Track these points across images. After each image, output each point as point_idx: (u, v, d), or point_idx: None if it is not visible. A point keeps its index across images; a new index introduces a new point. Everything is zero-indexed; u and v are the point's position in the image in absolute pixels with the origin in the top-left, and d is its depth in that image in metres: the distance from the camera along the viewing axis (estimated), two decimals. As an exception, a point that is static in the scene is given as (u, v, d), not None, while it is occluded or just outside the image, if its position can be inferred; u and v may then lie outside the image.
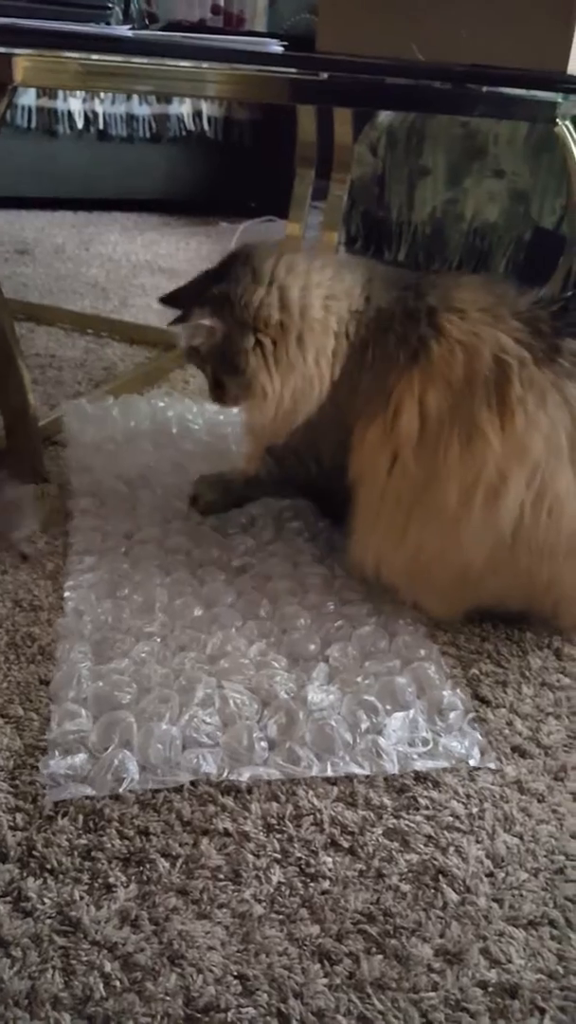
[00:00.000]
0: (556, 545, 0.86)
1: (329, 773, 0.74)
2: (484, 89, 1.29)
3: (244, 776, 0.73)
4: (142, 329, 1.79)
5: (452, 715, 0.81)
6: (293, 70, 1.20)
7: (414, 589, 0.95)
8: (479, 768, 0.77)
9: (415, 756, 0.77)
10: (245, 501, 1.09)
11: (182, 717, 0.77)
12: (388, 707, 0.81)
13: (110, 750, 0.73)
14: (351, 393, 0.92)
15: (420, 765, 0.76)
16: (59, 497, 1.12)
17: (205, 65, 1.12)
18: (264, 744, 0.76)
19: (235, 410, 1.08)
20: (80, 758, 0.72)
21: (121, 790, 0.70)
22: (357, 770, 0.75)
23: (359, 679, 0.84)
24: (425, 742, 0.79)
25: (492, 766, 0.77)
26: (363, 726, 0.79)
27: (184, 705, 0.78)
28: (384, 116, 2.38)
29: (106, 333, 1.77)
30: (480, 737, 0.80)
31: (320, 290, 0.93)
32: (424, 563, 0.91)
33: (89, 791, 0.70)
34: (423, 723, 0.80)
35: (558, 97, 1.42)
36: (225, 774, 0.73)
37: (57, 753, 0.72)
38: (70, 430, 1.27)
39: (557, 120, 1.50)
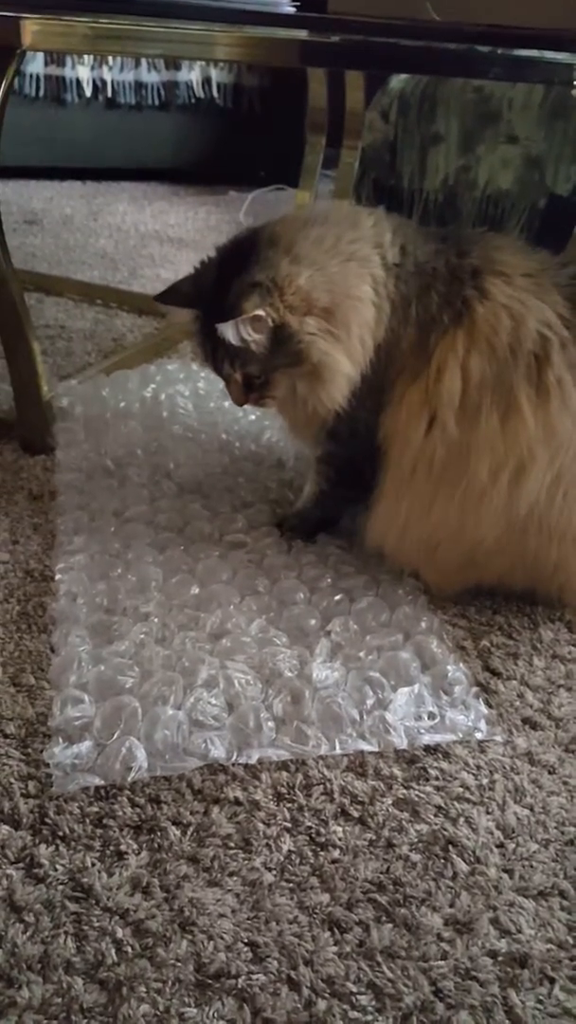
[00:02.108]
0: (567, 529, 0.86)
1: (338, 751, 0.74)
2: (499, 51, 1.26)
3: (253, 758, 0.72)
4: (151, 300, 1.77)
5: (457, 689, 0.81)
6: (304, 32, 1.17)
7: (419, 563, 0.94)
8: (489, 740, 0.77)
9: (422, 730, 0.77)
10: (324, 524, 1.02)
11: (187, 700, 0.76)
12: (393, 682, 0.81)
13: (116, 737, 0.72)
14: (393, 349, 0.87)
15: (428, 739, 0.76)
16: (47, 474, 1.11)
17: (215, 27, 1.10)
18: (271, 724, 0.75)
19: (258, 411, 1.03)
20: (85, 746, 0.71)
21: (130, 779, 0.69)
22: (365, 747, 0.75)
23: (362, 654, 0.84)
24: (432, 716, 0.78)
25: (499, 738, 0.77)
26: (369, 702, 0.78)
27: (188, 687, 0.77)
28: (396, 81, 2.33)
29: (115, 304, 1.75)
30: (485, 710, 0.80)
31: (355, 262, 0.86)
32: (439, 538, 0.90)
33: (97, 780, 0.69)
34: (429, 697, 0.80)
35: (574, 59, 1.38)
36: (234, 757, 0.72)
37: (61, 741, 0.71)
38: (60, 407, 1.24)
39: (574, 83, 1.46)
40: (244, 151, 2.95)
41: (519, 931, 0.61)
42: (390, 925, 0.61)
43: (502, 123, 2.14)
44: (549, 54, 1.35)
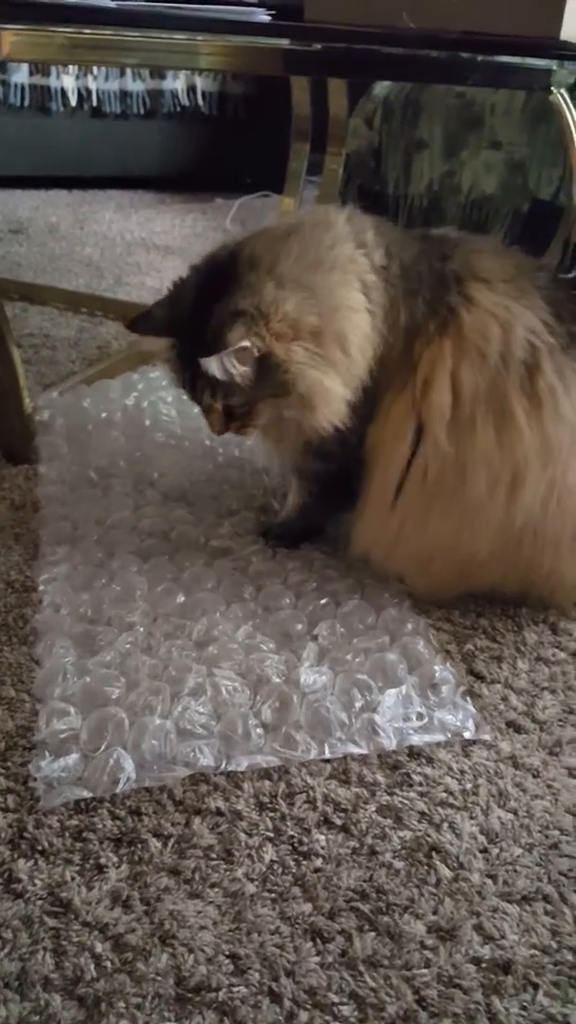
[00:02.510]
0: (561, 535, 0.85)
1: (327, 755, 0.74)
2: (479, 58, 1.26)
3: (242, 765, 0.72)
4: (137, 308, 1.76)
5: (445, 689, 0.81)
6: (284, 40, 1.17)
7: (411, 574, 0.93)
8: (473, 743, 0.77)
9: (411, 731, 0.77)
10: (308, 533, 1.00)
11: (174, 709, 0.75)
12: (380, 684, 0.80)
13: (103, 749, 0.71)
14: (385, 358, 0.84)
15: (416, 740, 0.76)
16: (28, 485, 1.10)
17: (196, 37, 1.10)
18: (260, 731, 0.75)
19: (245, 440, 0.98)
20: (72, 759, 0.70)
21: (118, 790, 0.69)
22: (355, 750, 0.75)
23: (349, 657, 0.84)
24: (420, 717, 0.78)
25: (487, 738, 0.77)
26: (357, 705, 0.78)
27: (175, 696, 0.77)
28: (380, 88, 2.34)
29: (100, 312, 1.75)
30: (473, 710, 0.80)
31: (339, 269, 0.82)
32: (433, 552, 0.89)
33: (85, 793, 0.68)
34: (416, 698, 0.80)
35: (552, 65, 1.39)
36: (223, 765, 0.72)
37: (48, 754, 0.70)
38: (40, 420, 1.23)
39: (552, 88, 1.47)
40: (230, 158, 2.95)
41: (503, 937, 0.61)
42: (373, 934, 0.60)
43: (485, 128, 2.15)
44: (528, 60, 1.36)
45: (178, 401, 1.32)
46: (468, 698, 0.81)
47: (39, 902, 0.60)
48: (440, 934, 0.61)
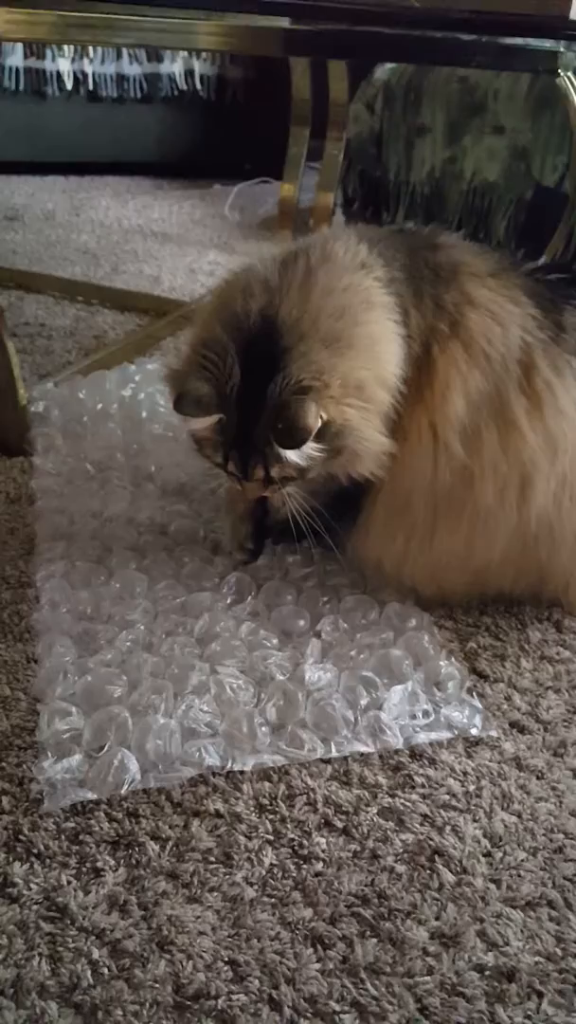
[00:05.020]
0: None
1: (334, 753, 0.73)
2: (483, 39, 1.24)
3: (248, 765, 0.71)
4: (133, 296, 1.75)
5: (450, 685, 0.80)
6: (283, 20, 1.15)
7: (421, 587, 0.90)
8: (476, 744, 0.76)
9: (417, 728, 0.76)
10: (308, 535, 0.92)
11: (178, 708, 0.74)
12: (385, 681, 0.79)
13: (107, 749, 0.70)
14: (407, 375, 0.80)
15: (423, 737, 0.75)
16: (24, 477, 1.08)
17: (193, 16, 1.07)
18: (265, 729, 0.73)
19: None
20: (76, 760, 0.69)
21: (123, 791, 0.67)
22: (361, 748, 0.73)
23: (353, 653, 0.82)
24: (426, 714, 0.77)
25: (495, 734, 0.76)
26: (363, 702, 0.77)
27: (178, 694, 0.75)
28: (381, 72, 2.30)
29: (97, 300, 1.72)
30: (480, 706, 0.79)
31: (367, 310, 0.79)
32: (444, 566, 0.86)
33: (89, 795, 0.66)
34: (422, 695, 0.79)
35: (560, 46, 1.37)
36: (229, 764, 0.70)
37: (50, 755, 0.69)
38: (36, 412, 1.21)
39: (559, 71, 1.45)
40: (228, 144, 2.91)
41: (507, 944, 0.60)
42: (374, 940, 0.59)
43: (488, 114, 2.12)
44: (533, 41, 1.34)
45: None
46: (474, 694, 0.80)
47: (35, 907, 0.59)
48: (443, 940, 0.60)
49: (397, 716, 0.76)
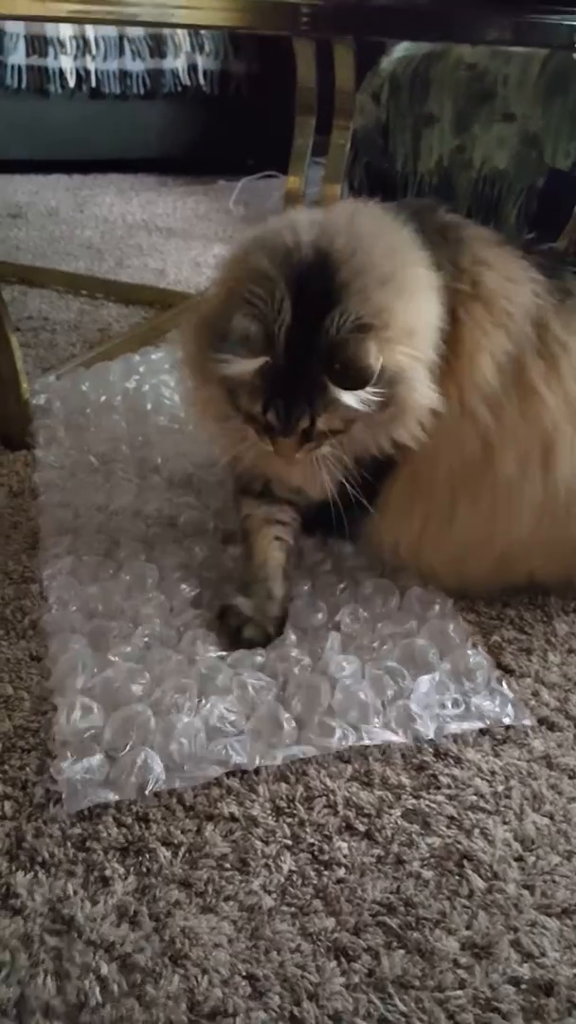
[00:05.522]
0: None
1: (365, 742, 0.69)
2: (499, 15, 1.20)
3: (278, 759, 0.67)
4: (138, 289, 1.72)
5: (479, 674, 0.77)
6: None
7: (443, 576, 0.86)
8: (504, 742, 0.72)
9: (448, 719, 0.73)
10: (320, 525, 0.88)
11: (202, 707, 0.70)
12: (412, 671, 0.76)
13: (128, 749, 0.66)
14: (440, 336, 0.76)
15: (455, 727, 0.72)
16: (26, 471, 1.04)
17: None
18: (293, 724, 0.70)
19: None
20: (96, 760, 0.65)
21: (148, 792, 0.64)
22: (393, 738, 0.70)
23: (376, 644, 0.79)
24: (456, 703, 0.74)
25: (528, 723, 0.73)
26: (390, 692, 0.74)
27: (203, 693, 0.72)
28: (387, 63, 2.27)
29: (101, 294, 1.69)
30: (511, 695, 0.75)
31: (411, 253, 0.75)
32: (466, 548, 0.82)
33: (111, 796, 0.63)
34: (451, 684, 0.76)
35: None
36: (258, 761, 0.67)
37: (70, 755, 0.65)
38: (37, 405, 1.17)
39: None
40: (232, 138, 2.88)
41: (543, 954, 0.56)
42: (402, 951, 0.55)
43: (497, 101, 2.08)
44: (551, 18, 1.29)
45: (181, 384, 1.26)
46: (503, 683, 0.76)
47: (39, 919, 0.55)
48: (475, 951, 0.56)
49: (427, 706, 0.73)
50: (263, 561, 0.82)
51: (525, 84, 2.02)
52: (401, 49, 2.31)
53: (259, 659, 0.77)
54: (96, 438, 1.10)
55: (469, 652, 0.79)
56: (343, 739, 0.69)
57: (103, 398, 1.20)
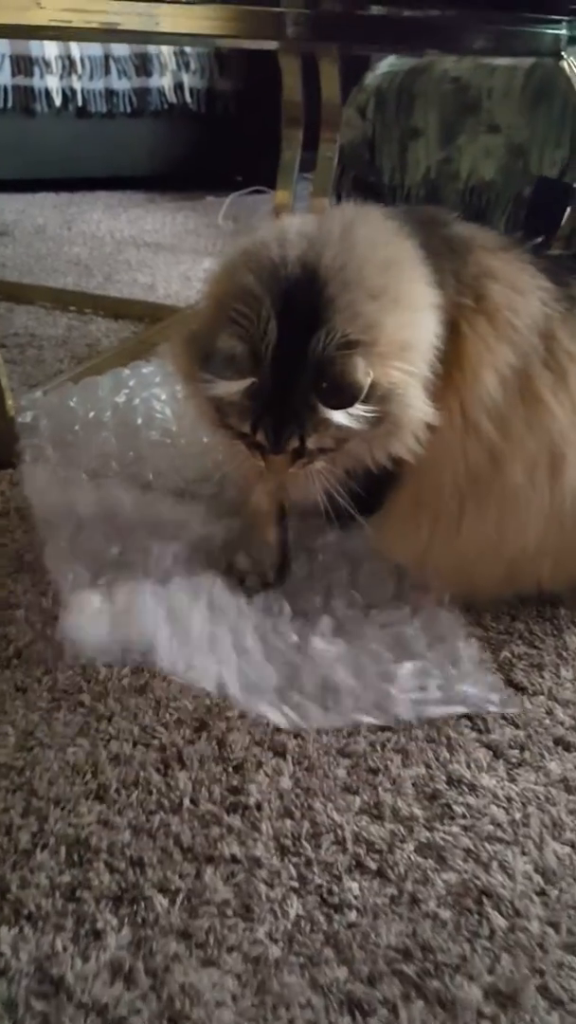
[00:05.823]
0: None
1: (339, 724, 0.70)
2: (484, 24, 1.18)
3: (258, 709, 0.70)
4: (127, 303, 1.69)
5: (466, 660, 0.76)
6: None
7: (450, 584, 0.83)
8: (519, 766, 0.68)
9: (429, 702, 0.73)
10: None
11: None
12: (396, 655, 0.77)
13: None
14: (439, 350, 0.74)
15: (436, 711, 0.72)
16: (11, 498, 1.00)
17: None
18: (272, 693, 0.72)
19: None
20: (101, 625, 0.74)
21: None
22: (367, 719, 0.70)
23: (367, 630, 0.79)
24: (440, 687, 0.73)
25: (515, 711, 0.71)
26: (370, 673, 0.73)
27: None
28: (372, 78, 2.27)
29: (89, 310, 1.66)
30: (498, 680, 0.75)
31: (410, 267, 0.73)
32: (474, 558, 0.80)
33: (107, 657, 0.73)
34: (435, 670, 0.75)
35: (562, 29, 1.31)
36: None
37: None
38: (23, 422, 1.13)
39: (562, 55, 1.39)
40: (220, 155, 2.88)
41: (573, 1000, 0.52)
42: (421, 1003, 0.51)
43: (483, 112, 2.07)
44: (536, 27, 1.28)
45: (173, 399, 1.23)
46: (494, 668, 0.76)
47: (25, 980, 0.51)
48: (500, 999, 0.51)
49: (407, 690, 0.73)
50: (255, 510, 0.85)
51: (510, 96, 2.02)
52: (386, 64, 2.31)
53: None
54: (86, 455, 1.07)
55: (460, 644, 0.78)
56: (318, 718, 0.70)
57: (92, 413, 1.16)
